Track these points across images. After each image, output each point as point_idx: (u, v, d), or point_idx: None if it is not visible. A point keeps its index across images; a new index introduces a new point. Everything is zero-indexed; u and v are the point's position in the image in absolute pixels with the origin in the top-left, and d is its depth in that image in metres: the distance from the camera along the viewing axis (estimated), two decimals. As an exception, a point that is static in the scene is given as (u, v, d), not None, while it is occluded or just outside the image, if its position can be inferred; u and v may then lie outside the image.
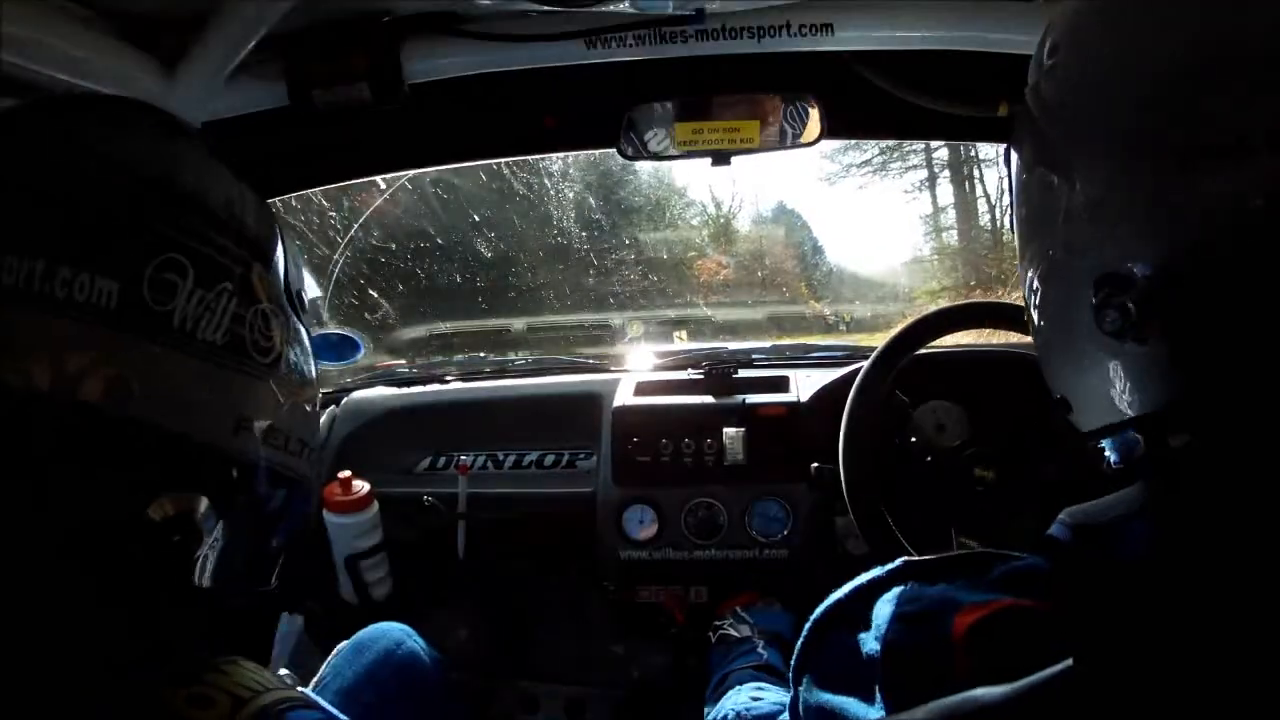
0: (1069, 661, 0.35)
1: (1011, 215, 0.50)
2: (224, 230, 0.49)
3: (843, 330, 1.95)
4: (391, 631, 0.93)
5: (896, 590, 0.44)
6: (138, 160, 0.48)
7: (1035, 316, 0.48)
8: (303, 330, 0.55)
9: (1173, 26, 0.39)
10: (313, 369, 0.55)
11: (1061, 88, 0.43)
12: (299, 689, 0.45)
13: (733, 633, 0.99)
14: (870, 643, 0.43)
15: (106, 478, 0.43)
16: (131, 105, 0.54)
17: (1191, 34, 0.38)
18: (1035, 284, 0.46)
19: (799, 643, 0.48)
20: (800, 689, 0.47)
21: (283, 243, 0.56)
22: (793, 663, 0.49)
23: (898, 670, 0.41)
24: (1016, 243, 0.49)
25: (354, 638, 0.90)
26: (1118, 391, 0.42)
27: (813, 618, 0.47)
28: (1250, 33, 0.37)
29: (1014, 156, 0.49)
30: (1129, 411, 0.42)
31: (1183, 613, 0.35)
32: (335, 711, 0.45)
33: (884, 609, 0.43)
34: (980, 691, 0.36)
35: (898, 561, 0.45)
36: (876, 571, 0.46)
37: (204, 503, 0.46)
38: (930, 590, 0.42)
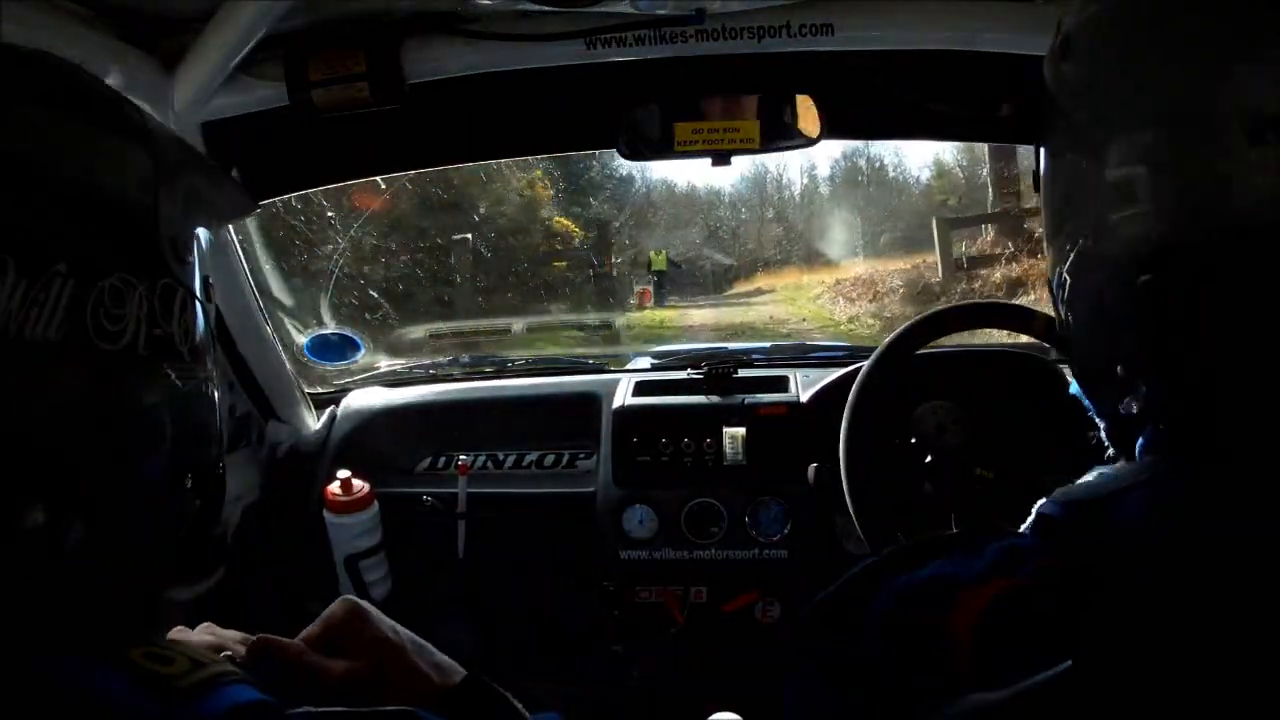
0: (1068, 663, 0.35)
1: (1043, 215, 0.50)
2: (56, 191, 0.39)
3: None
4: None
5: (887, 579, 0.44)
6: None
7: (1064, 311, 0.47)
8: (184, 291, 0.45)
9: (1208, 11, 0.38)
10: (196, 336, 0.45)
11: (1090, 67, 0.43)
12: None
13: None
14: (873, 618, 0.42)
15: None
16: None
17: (1227, 24, 0.38)
18: (1064, 277, 0.46)
19: (799, 640, 0.48)
20: (799, 678, 0.47)
21: (163, 168, 0.44)
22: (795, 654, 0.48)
23: (898, 660, 0.40)
24: (1045, 242, 0.49)
25: None
26: (1140, 363, 0.41)
27: (807, 612, 0.47)
28: None
29: (1042, 154, 0.48)
30: (1143, 384, 0.41)
31: (1182, 586, 0.35)
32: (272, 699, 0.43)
33: (882, 597, 0.43)
34: (980, 696, 0.36)
35: (885, 551, 0.45)
36: (866, 561, 0.46)
37: (76, 524, 0.39)
38: (923, 573, 0.42)
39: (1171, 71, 0.39)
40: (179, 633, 0.51)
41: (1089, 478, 0.42)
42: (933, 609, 0.40)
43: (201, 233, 0.49)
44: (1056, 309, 0.48)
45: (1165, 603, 0.35)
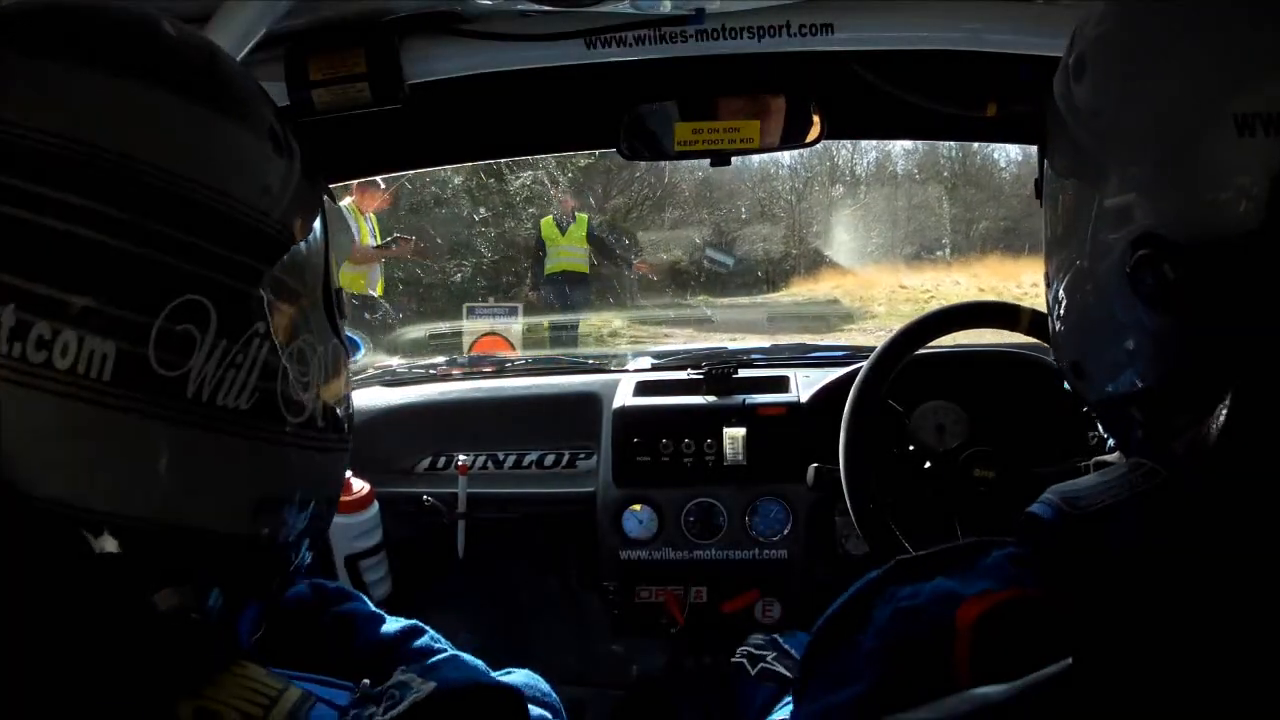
0: (1069, 660, 0.35)
1: (1044, 227, 0.50)
2: (259, 240, 0.33)
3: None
4: None
5: (893, 589, 0.44)
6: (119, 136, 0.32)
7: (1058, 326, 0.48)
8: (337, 343, 0.41)
9: (1211, 29, 0.38)
10: (351, 402, 0.41)
11: (1100, 91, 0.43)
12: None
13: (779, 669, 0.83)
14: (869, 640, 0.42)
15: (79, 576, 0.32)
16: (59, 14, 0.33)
17: (1229, 34, 0.38)
18: (1060, 295, 0.46)
19: (804, 656, 0.47)
20: (804, 702, 0.46)
21: (324, 215, 0.39)
22: (797, 675, 0.48)
23: (894, 661, 0.41)
24: (1045, 254, 0.49)
25: None
26: (1131, 365, 0.41)
27: (815, 628, 0.47)
28: None
29: (1046, 166, 0.49)
30: (1138, 384, 0.41)
31: (1177, 605, 0.35)
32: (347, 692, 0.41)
33: (883, 608, 0.43)
34: (982, 690, 0.36)
35: (891, 562, 0.45)
36: (872, 574, 0.45)
37: (214, 594, 0.36)
38: (928, 585, 0.42)
39: (1176, 94, 0.38)
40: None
41: (1085, 480, 0.42)
42: (931, 621, 0.40)
43: None
44: (1051, 323, 0.49)
45: (1161, 624, 0.35)
